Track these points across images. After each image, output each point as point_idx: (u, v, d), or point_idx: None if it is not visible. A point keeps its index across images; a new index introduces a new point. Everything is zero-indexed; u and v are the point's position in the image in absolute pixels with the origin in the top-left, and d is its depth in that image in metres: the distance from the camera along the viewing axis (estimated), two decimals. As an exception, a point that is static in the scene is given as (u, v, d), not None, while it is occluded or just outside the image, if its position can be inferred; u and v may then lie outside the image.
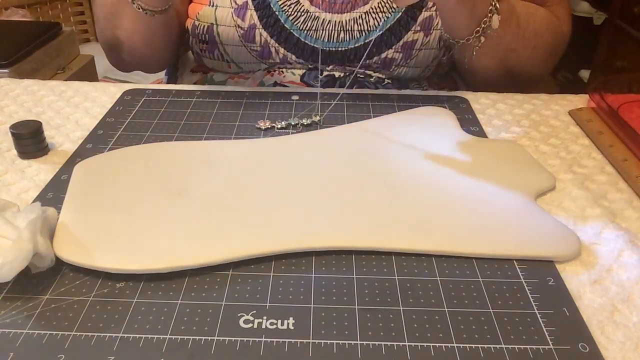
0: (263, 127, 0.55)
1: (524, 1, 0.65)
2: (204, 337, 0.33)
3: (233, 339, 0.33)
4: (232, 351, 0.32)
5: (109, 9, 0.67)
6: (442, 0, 0.56)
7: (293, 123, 0.56)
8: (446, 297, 0.36)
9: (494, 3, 0.58)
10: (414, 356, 0.32)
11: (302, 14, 0.64)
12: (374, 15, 0.64)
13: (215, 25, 0.65)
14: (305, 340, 0.33)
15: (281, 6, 0.64)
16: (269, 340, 0.33)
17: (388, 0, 0.63)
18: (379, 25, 0.64)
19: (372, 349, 0.32)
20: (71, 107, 0.59)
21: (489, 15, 0.58)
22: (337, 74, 0.68)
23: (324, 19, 0.64)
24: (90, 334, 0.33)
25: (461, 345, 0.32)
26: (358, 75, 0.68)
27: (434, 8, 0.64)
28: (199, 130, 0.55)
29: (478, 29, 0.58)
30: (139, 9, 0.61)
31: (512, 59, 0.64)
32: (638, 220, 0.43)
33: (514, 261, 0.39)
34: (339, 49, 0.66)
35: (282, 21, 0.64)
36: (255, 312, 0.34)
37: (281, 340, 0.33)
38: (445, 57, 0.67)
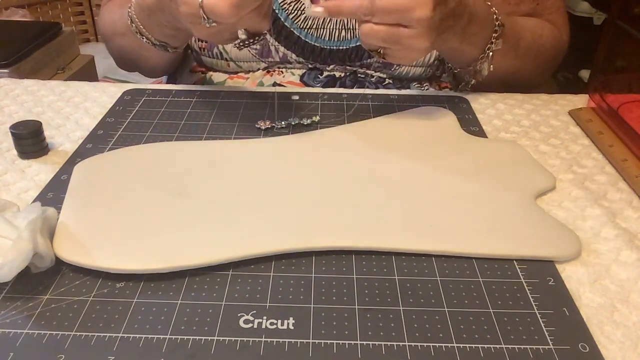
0: (263, 127, 0.55)
1: (531, 22, 0.65)
2: (204, 337, 0.33)
3: (233, 339, 0.33)
4: (232, 351, 0.32)
5: (119, 43, 0.66)
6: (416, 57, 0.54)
7: (293, 123, 0.56)
8: (446, 297, 0.36)
9: (486, 52, 0.58)
10: (414, 356, 0.32)
11: (303, 12, 0.64)
12: (375, 15, 0.64)
13: (215, 25, 0.65)
14: (305, 340, 0.33)
15: (281, 4, 0.64)
16: (269, 340, 0.33)
17: None
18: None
19: (372, 349, 0.32)
20: (71, 107, 0.59)
21: (480, 60, 0.58)
22: (337, 74, 0.67)
23: (324, 17, 0.64)
24: (90, 334, 0.33)
25: (461, 345, 0.32)
26: (358, 74, 0.68)
27: None
28: (199, 130, 0.55)
29: (470, 68, 0.59)
30: (163, 50, 0.61)
31: (512, 80, 0.64)
32: (638, 220, 0.43)
33: (514, 261, 0.39)
34: (340, 47, 0.65)
35: (282, 19, 0.64)
36: (255, 312, 0.34)
37: (281, 340, 0.33)
38: (439, 71, 0.68)
